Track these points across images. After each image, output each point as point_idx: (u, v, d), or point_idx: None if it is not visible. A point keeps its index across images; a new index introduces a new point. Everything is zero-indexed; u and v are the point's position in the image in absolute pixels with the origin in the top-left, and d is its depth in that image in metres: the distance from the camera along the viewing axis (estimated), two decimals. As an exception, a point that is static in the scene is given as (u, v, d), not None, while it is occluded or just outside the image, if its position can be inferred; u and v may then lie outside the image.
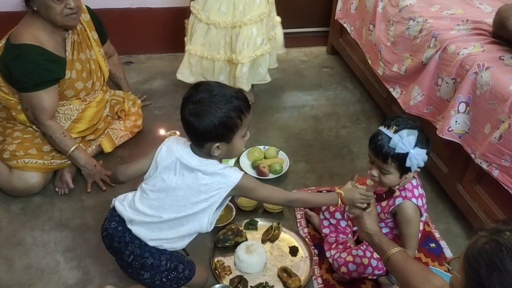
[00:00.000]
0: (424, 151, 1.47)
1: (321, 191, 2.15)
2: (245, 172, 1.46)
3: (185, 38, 2.60)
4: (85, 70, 2.12)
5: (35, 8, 1.90)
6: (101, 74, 2.23)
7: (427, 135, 1.52)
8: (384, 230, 1.68)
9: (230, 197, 1.52)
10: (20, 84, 1.96)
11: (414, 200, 1.58)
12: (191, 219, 1.46)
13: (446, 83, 1.94)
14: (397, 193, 1.60)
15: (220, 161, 1.47)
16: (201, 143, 1.40)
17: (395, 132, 1.47)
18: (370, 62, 2.56)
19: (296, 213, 2.06)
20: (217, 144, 1.38)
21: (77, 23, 2.03)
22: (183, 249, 1.58)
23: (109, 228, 1.50)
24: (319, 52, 3.41)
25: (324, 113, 2.77)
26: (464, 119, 1.85)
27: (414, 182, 1.61)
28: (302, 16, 3.31)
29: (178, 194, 1.44)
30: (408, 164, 1.48)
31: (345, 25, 2.93)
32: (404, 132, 1.46)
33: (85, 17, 2.13)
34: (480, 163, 1.76)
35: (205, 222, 1.46)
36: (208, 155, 1.42)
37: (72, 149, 2.06)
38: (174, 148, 1.46)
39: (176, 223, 1.47)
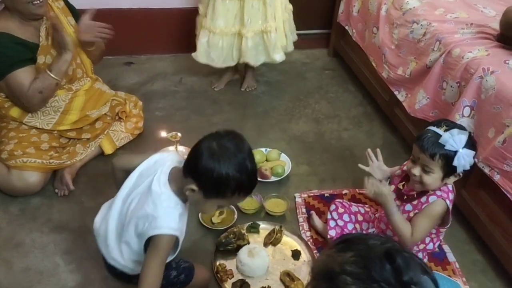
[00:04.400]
0: (473, 153, 1.46)
1: (323, 195, 2.15)
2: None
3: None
4: None
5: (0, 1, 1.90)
6: (81, 61, 2.19)
7: (474, 140, 1.52)
8: None
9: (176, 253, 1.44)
10: None
11: (448, 202, 1.55)
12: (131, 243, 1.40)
13: (451, 86, 1.93)
14: (431, 191, 1.56)
15: (185, 203, 1.38)
16: (187, 175, 1.31)
17: (445, 130, 1.46)
18: (374, 65, 2.54)
19: (298, 216, 2.05)
20: (195, 188, 1.29)
21: (45, 10, 1.99)
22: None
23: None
24: (320, 54, 3.40)
25: (325, 115, 2.75)
26: (469, 123, 1.84)
27: (450, 187, 1.58)
28: (303, 18, 3.29)
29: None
30: (455, 163, 1.45)
31: (346, 27, 2.92)
32: (455, 130, 1.45)
33: (59, 4, 2.13)
34: (483, 167, 1.75)
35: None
36: (180, 191, 1.33)
37: (53, 74, 1.97)
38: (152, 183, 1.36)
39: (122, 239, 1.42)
